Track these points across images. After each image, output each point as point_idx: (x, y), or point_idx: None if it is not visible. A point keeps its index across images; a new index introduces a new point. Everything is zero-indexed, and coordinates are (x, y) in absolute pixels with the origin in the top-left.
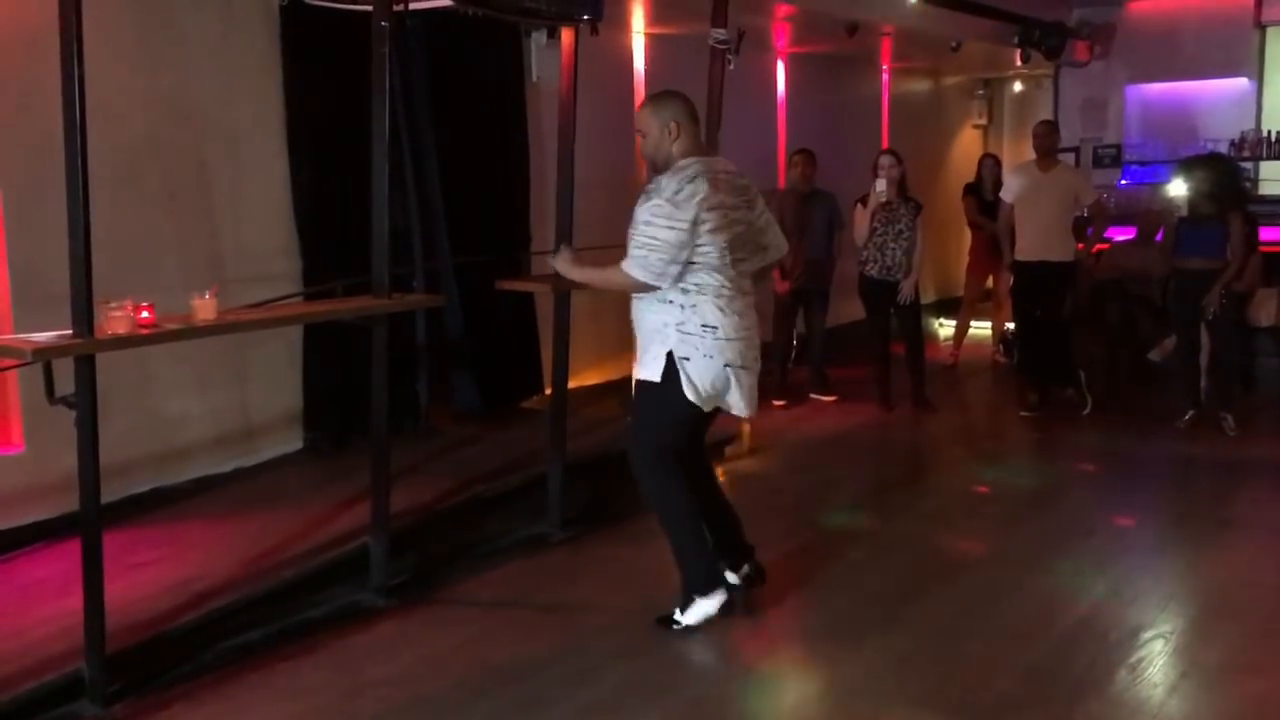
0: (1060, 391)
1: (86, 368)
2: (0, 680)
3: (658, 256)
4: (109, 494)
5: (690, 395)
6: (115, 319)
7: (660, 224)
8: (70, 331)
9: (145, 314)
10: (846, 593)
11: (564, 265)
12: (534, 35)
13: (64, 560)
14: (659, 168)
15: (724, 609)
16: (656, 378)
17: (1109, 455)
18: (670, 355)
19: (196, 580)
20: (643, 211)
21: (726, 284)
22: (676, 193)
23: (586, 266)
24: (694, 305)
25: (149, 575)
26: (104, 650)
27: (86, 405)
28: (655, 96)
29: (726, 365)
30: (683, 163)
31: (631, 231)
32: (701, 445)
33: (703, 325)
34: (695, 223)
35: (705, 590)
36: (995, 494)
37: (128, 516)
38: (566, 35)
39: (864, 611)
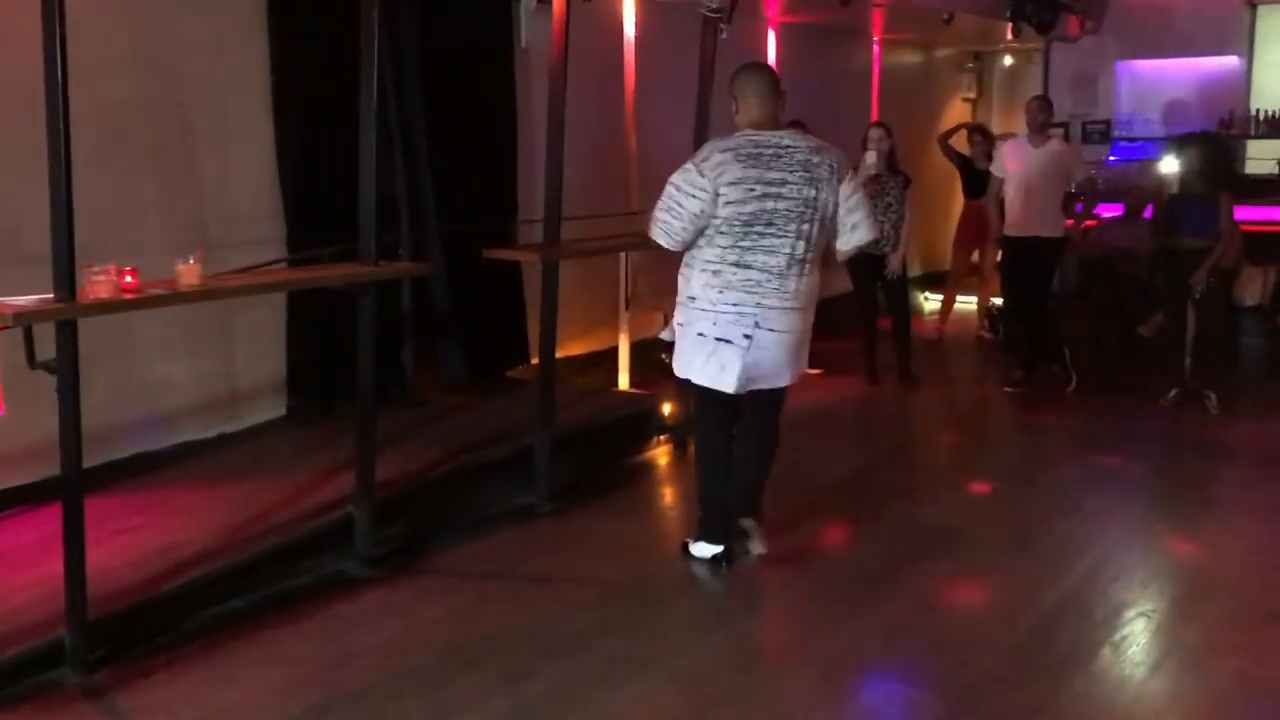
0: (1045, 368)
1: (68, 333)
2: None
3: (680, 224)
4: (90, 459)
5: (676, 364)
6: (98, 283)
7: (686, 190)
8: (52, 295)
9: (128, 278)
10: (832, 568)
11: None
12: (524, 1)
13: (45, 526)
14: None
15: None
16: (670, 339)
17: (1093, 432)
18: (684, 328)
19: (179, 547)
20: (675, 175)
21: (719, 255)
22: (705, 160)
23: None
24: (687, 277)
25: (131, 541)
26: (85, 617)
27: (68, 371)
28: (739, 69)
29: (700, 335)
30: (734, 135)
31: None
32: (754, 412)
33: (689, 296)
34: (715, 194)
35: (705, 539)
36: (979, 470)
37: (110, 482)
38: (557, 1)
39: (849, 587)
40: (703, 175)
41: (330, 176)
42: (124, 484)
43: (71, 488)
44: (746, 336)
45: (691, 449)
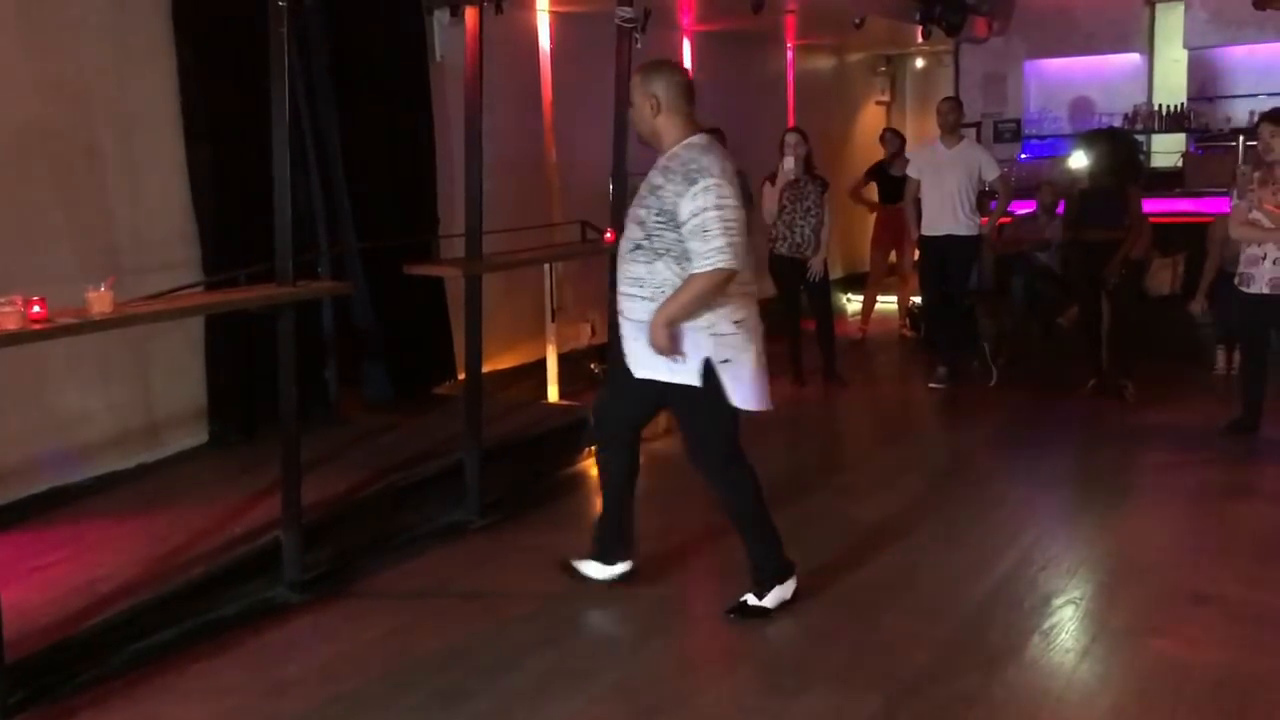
0: (967, 364)
1: None
2: None
3: (741, 239)
4: (5, 495)
5: (739, 400)
6: (4, 314)
7: (730, 204)
8: None
9: (37, 308)
10: None
11: (660, 335)
12: (437, 13)
13: None
14: (645, 141)
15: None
16: (696, 382)
17: (1015, 425)
18: (708, 362)
19: (101, 581)
20: (701, 197)
21: (743, 275)
22: (724, 171)
23: (669, 306)
24: (719, 303)
25: (49, 577)
26: (3, 658)
27: None
28: (644, 66)
29: (758, 355)
30: (697, 140)
31: (689, 226)
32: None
33: (734, 322)
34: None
35: (782, 577)
36: (906, 466)
37: (26, 518)
38: (471, 14)
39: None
40: (731, 184)
41: (245, 197)
42: (40, 519)
43: None
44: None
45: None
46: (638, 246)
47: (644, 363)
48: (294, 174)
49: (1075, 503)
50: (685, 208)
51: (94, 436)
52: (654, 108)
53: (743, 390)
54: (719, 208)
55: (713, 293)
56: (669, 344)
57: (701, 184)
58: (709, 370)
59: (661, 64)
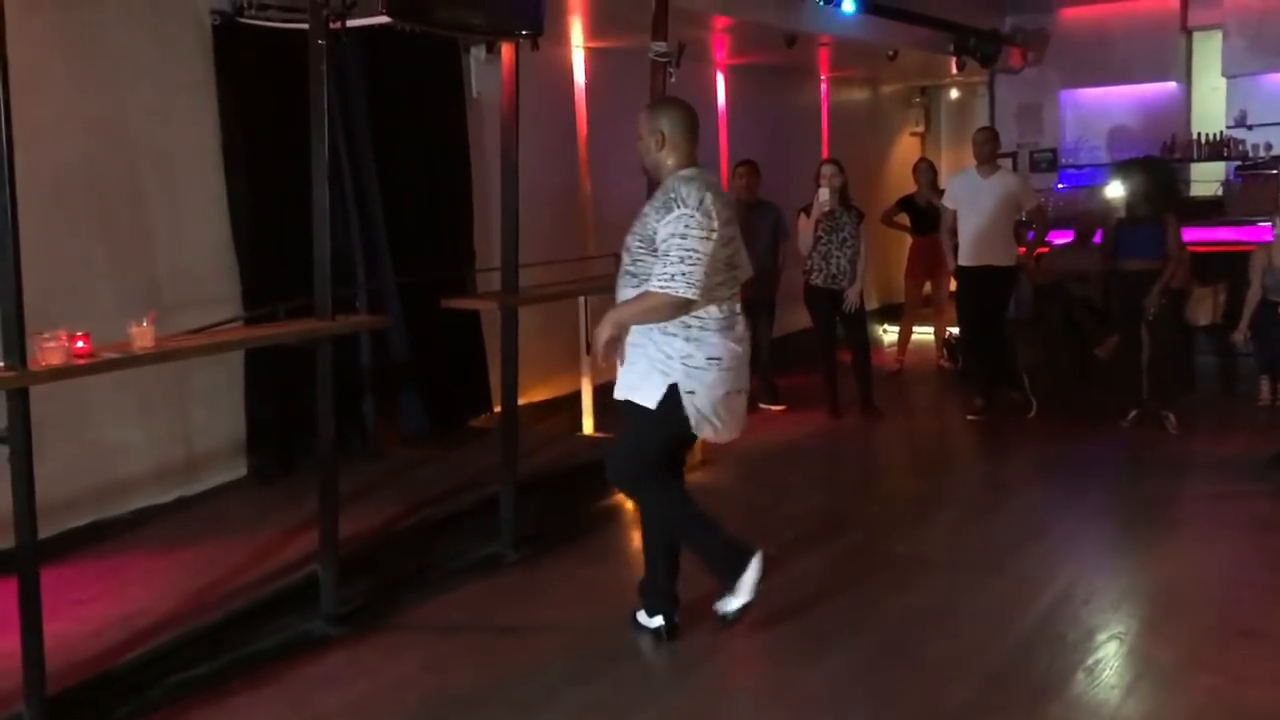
0: (1005, 395)
1: (20, 402)
2: None
3: (700, 271)
4: (47, 529)
5: (695, 427)
6: (49, 350)
7: (695, 235)
8: (2, 364)
9: (80, 344)
10: (804, 604)
11: (605, 329)
12: (473, 51)
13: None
14: (650, 174)
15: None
16: (652, 404)
17: (1055, 456)
18: (673, 388)
19: (140, 615)
20: (672, 224)
21: (726, 312)
22: (700, 203)
23: (620, 309)
24: (698, 339)
25: (90, 611)
26: (45, 691)
27: (21, 441)
28: (652, 103)
29: (727, 393)
30: (686, 172)
31: (659, 246)
32: (682, 463)
33: (708, 359)
34: (715, 237)
35: (739, 570)
36: (946, 498)
37: (67, 552)
38: (506, 50)
39: (821, 624)
40: (708, 217)
41: (284, 232)
42: (82, 552)
43: (27, 560)
44: (746, 380)
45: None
46: (626, 272)
47: (619, 384)
48: (332, 209)
49: (1118, 535)
50: (660, 233)
51: (135, 470)
52: (659, 143)
53: (703, 422)
54: (684, 236)
55: (661, 310)
56: (607, 344)
57: (675, 212)
58: (670, 397)
59: (670, 101)
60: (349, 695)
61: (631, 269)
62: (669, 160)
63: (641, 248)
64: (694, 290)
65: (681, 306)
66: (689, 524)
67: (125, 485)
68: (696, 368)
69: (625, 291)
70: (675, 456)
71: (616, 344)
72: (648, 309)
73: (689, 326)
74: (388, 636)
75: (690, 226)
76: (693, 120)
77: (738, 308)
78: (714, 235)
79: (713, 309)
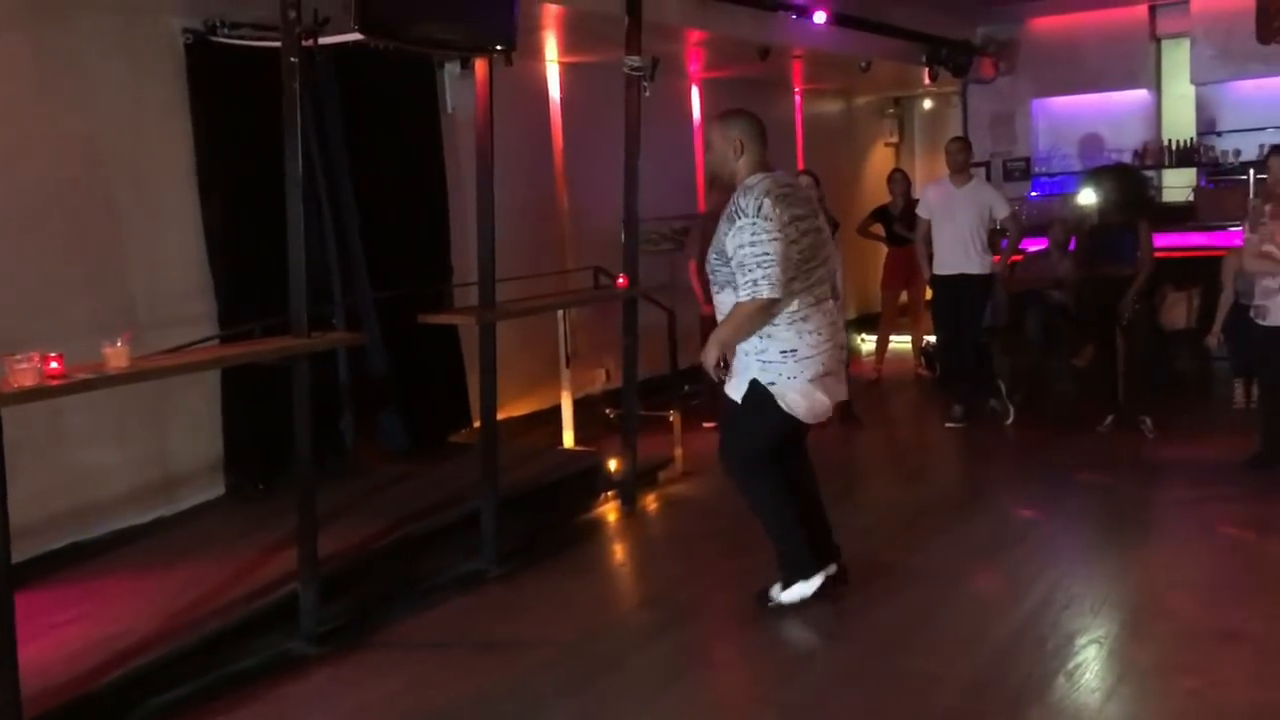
0: (983, 402)
1: None
2: None
3: (778, 270)
4: (23, 552)
5: (790, 413)
6: (21, 371)
7: (765, 239)
8: None
9: (54, 364)
10: (786, 613)
11: (712, 352)
12: (447, 66)
13: None
14: (722, 184)
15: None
16: (738, 398)
17: (1033, 463)
18: (754, 383)
19: (119, 637)
20: (737, 235)
21: (800, 305)
22: (759, 209)
23: (720, 329)
24: (770, 334)
25: (67, 634)
26: (21, 716)
27: None
28: (724, 113)
29: (810, 380)
30: (750, 180)
31: (734, 261)
32: (800, 446)
33: (781, 352)
34: (785, 236)
35: (806, 574)
36: (926, 506)
37: (45, 574)
38: (480, 66)
39: (803, 631)
40: (770, 219)
41: (259, 250)
42: (60, 575)
43: (0, 584)
44: (840, 362)
45: (646, 504)
46: (714, 284)
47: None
48: (308, 227)
49: (1097, 540)
50: (729, 245)
51: (112, 491)
52: (737, 150)
53: (792, 407)
54: (752, 244)
55: (755, 317)
56: (715, 364)
57: (739, 223)
58: (753, 390)
59: (740, 111)
60: (331, 714)
61: (715, 279)
62: (743, 167)
63: (718, 260)
64: (776, 290)
65: (768, 308)
66: (769, 507)
67: (103, 506)
68: (771, 362)
69: (718, 298)
70: (785, 443)
71: (724, 363)
72: (742, 321)
73: (779, 323)
74: (370, 654)
75: (755, 233)
76: (762, 128)
77: (814, 297)
78: (779, 235)
79: (785, 302)
